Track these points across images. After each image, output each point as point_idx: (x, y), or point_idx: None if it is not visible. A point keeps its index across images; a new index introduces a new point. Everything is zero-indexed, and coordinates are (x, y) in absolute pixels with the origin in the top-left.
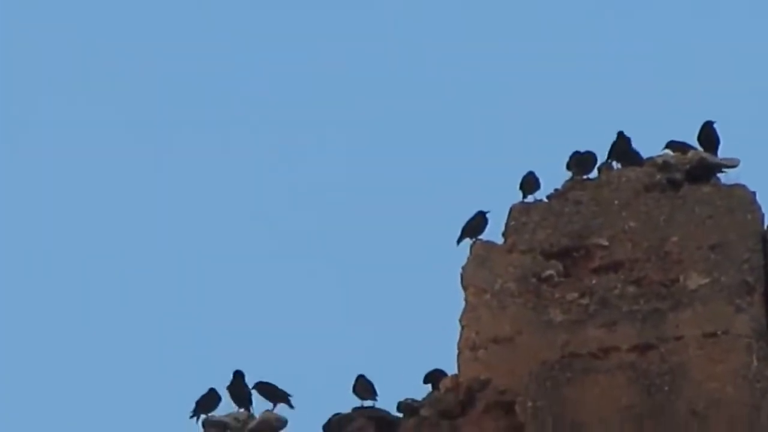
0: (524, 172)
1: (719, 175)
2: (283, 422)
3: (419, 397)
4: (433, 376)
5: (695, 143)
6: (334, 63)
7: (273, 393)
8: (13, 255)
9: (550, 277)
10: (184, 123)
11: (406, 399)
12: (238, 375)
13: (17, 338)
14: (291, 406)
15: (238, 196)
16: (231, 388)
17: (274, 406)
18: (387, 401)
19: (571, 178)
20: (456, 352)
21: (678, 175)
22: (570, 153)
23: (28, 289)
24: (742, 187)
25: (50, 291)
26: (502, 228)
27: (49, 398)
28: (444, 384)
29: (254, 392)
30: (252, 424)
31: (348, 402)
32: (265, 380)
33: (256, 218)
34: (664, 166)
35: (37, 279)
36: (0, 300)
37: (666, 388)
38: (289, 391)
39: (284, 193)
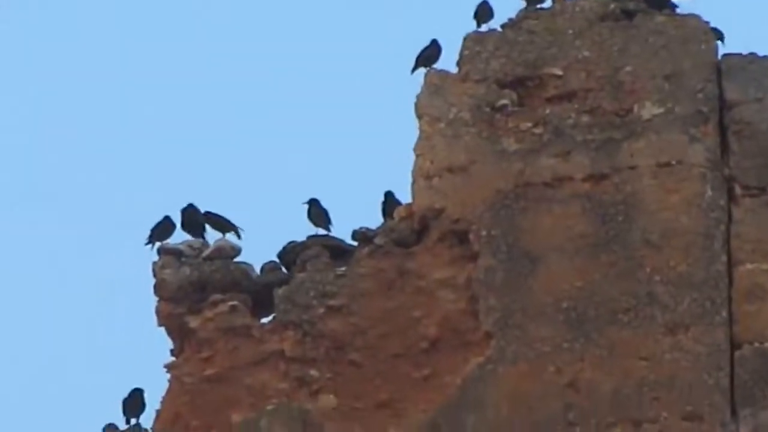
0: (478, 1)
1: (674, 5)
2: (238, 250)
3: (374, 227)
4: (388, 205)
5: None
6: None
7: (221, 224)
8: None
9: (504, 106)
10: None
11: (361, 227)
12: (190, 206)
13: None
14: (239, 237)
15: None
16: (184, 217)
17: (224, 235)
18: (342, 230)
19: (525, 8)
20: (410, 181)
21: (632, 5)
22: None
23: None
24: (696, 17)
25: None
26: (456, 57)
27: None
28: (398, 212)
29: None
30: (207, 251)
31: (303, 230)
32: (214, 212)
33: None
34: None
35: None
36: None
37: (620, 218)
38: (240, 224)
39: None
